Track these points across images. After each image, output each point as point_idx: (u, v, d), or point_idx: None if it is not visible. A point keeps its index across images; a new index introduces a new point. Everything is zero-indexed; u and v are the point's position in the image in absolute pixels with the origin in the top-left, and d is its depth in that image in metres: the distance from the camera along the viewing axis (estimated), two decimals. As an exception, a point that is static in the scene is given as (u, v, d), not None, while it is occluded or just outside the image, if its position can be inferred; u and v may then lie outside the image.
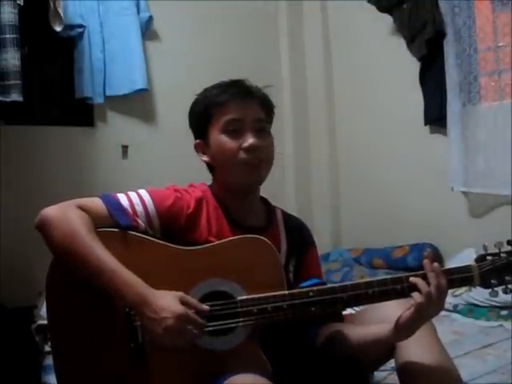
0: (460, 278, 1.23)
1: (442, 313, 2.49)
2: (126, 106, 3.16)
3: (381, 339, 1.25)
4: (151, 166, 3.15)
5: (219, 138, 1.33)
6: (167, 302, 1.14)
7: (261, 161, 1.33)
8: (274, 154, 1.38)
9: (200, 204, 1.34)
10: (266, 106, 1.38)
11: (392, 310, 1.27)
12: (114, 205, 1.27)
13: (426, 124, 3.11)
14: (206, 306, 1.18)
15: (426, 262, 1.23)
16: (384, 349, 1.29)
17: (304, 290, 1.23)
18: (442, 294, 1.19)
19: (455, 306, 2.50)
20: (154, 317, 1.12)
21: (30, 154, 2.87)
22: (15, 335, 2.23)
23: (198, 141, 1.40)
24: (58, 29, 2.72)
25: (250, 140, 1.31)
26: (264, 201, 1.46)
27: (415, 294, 1.19)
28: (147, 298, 1.14)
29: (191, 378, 1.20)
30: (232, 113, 1.32)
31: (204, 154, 1.38)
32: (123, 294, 1.15)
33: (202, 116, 1.36)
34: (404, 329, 1.20)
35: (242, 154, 1.31)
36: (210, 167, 1.41)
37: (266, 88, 1.41)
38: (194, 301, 1.17)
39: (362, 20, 3.41)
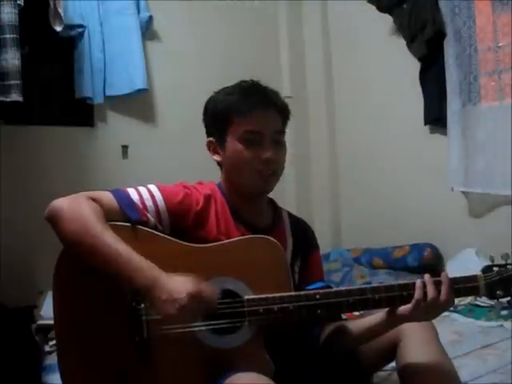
0: (466, 287, 1.23)
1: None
2: (125, 106, 3.16)
3: (373, 328, 1.28)
4: (151, 166, 3.15)
5: (237, 145, 1.33)
6: (180, 282, 1.14)
7: (274, 173, 1.35)
8: (284, 165, 1.41)
9: (208, 201, 1.34)
10: (284, 116, 1.40)
11: None
12: (124, 198, 1.27)
13: (425, 124, 3.12)
14: (214, 289, 1.18)
15: (444, 274, 1.23)
16: (379, 337, 1.31)
17: (311, 292, 1.24)
18: (443, 309, 1.22)
19: (455, 305, 2.50)
20: (167, 298, 1.12)
21: (30, 154, 2.87)
22: (15, 335, 2.23)
23: (210, 139, 1.40)
24: (58, 29, 2.72)
25: (268, 153, 1.32)
26: (271, 202, 1.46)
27: (418, 293, 1.19)
28: (160, 280, 1.14)
29: (195, 374, 1.21)
30: (253, 124, 1.33)
31: (216, 153, 1.39)
32: (135, 277, 1.14)
33: (220, 118, 1.36)
34: (394, 321, 1.24)
35: (258, 165, 1.32)
36: (221, 165, 1.41)
37: (285, 99, 1.42)
38: (204, 284, 1.17)
39: (362, 20, 3.41)
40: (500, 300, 1.24)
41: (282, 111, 1.38)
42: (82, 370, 1.23)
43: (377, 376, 1.55)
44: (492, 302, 2.41)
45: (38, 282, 2.57)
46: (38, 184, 2.84)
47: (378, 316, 1.27)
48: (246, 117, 1.32)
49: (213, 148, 1.39)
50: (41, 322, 2.26)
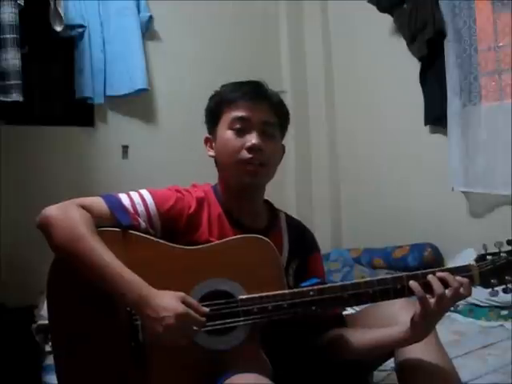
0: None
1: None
2: (126, 106, 3.16)
3: (387, 343, 1.24)
4: (151, 166, 3.15)
5: (225, 134, 1.34)
6: (167, 301, 1.14)
7: (261, 163, 1.32)
8: (277, 161, 1.39)
9: (201, 204, 1.34)
10: (279, 112, 1.39)
11: (393, 311, 1.28)
12: (115, 204, 1.27)
13: (426, 124, 3.11)
14: (205, 308, 1.18)
15: (441, 275, 1.20)
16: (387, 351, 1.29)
17: (304, 289, 1.23)
18: (455, 301, 1.19)
19: (455, 305, 2.50)
20: (155, 316, 1.12)
21: (30, 154, 2.87)
22: (15, 335, 2.23)
23: (207, 135, 1.42)
24: (59, 29, 2.72)
25: (253, 140, 1.31)
26: (268, 203, 1.46)
27: (420, 295, 1.17)
28: (148, 297, 1.14)
29: (192, 377, 1.20)
30: (240, 111, 1.33)
31: (211, 148, 1.40)
32: (124, 293, 1.15)
33: (213, 112, 1.39)
34: (417, 331, 1.19)
35: (244, 153, 1.31)
36: (216, 163, 1.41)
37: (280, 94, 1.42)
38: (194, 302, 1.17)
39: (362, 20, 3.41)
40: (495, 289, 1.22)
41: (274, 105, 1.38)
42: (78, 375, 1.23)
43: (376, 376, 1.55)
44: (491, 299, 2.40)
45: (38, 281, 2.55)
46: (38, 184, 2.84)
47: (386, 332, 1.24)
48: (233, 104, 1.34)
49: (209, 144, 1.41)
50: (41, 321, 2.25)
